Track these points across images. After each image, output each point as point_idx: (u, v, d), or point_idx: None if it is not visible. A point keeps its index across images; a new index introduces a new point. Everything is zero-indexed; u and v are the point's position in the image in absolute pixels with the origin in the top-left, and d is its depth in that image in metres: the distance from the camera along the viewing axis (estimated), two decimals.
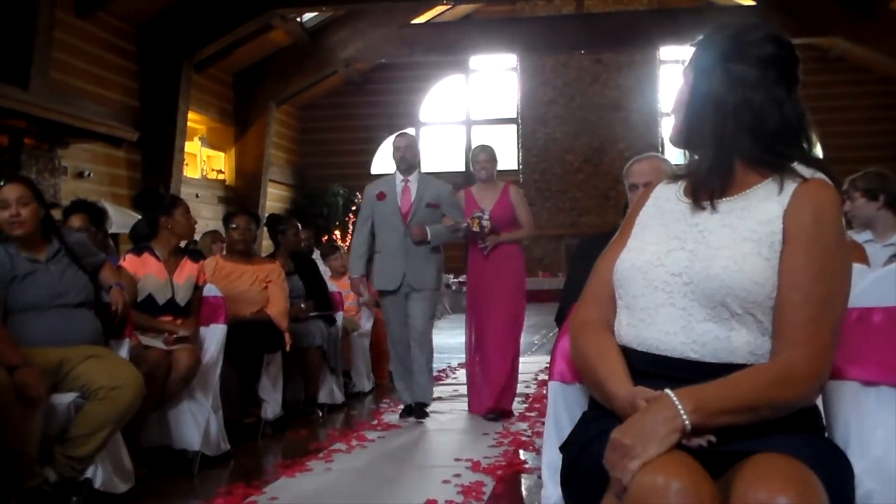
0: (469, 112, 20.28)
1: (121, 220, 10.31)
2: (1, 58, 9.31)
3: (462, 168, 18.33)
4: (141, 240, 4.69)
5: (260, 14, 12.81)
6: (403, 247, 5.55)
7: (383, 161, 18.74)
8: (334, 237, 16.97)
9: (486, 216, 5.66)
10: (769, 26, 1.72)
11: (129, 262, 4.47)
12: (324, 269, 6.91)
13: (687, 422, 1.47)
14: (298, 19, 14.93)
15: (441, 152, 19.81)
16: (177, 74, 12.65)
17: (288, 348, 5.39)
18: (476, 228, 5.67)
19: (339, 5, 14.01)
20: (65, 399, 3.40)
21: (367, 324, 7.12)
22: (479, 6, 18.18)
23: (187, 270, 4.54)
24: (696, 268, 1.63)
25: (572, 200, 19.37)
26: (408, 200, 5.64)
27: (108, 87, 12.00)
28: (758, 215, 1.64)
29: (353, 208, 17.39)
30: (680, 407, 1.47)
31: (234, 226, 5.57)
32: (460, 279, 14.55)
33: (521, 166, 19.63)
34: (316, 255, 7.69)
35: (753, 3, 15.02)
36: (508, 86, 20.27)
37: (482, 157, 5.88)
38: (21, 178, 3.83)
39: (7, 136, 9.43)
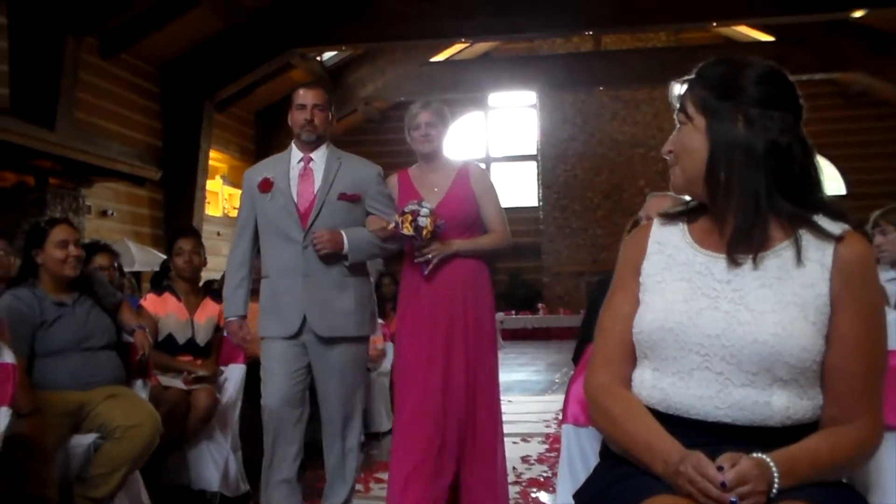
0: (489, 149, 20.34)
1: (144, 258, 10.42)
2: (28, 99, 9.49)
3: None
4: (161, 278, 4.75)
5: (280, 54, 12.98)
6: (302, 267, 3.45)
7: None
8: None
9: (424, 210, 3.44)
10: (761, 60, 1.64)
11: (149, 301, 4.51)
12: None
13: (776, 492, 1.47)
14: (318, 58, 15.10)
15: None
16: (199, 114, 12.83)
17: None
18: (408, 231, 3.41)
19: (358, 44, 14.16)
20: (85, 440, 3.42)
21: (387, 363, 7.02)
22: (497, 44, 18.34)
23: (209, 311, 4.56)
24: (738, 332, 1.55)
25: (592, 237, 19.34)
26: (308, 189, 3.51)
27: (132, 127, 12.17)
28: (799, 278, 1.57)
29: None
30: (776, 479, 1.47)
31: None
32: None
33: (541, 203, 19.66)
34: None
35: (772, 40, 15.04)
36: (528, 123, 20.36)
37: (423, 116, 3.73)
38: (69, 221, 3.86)
39: (33, 176, 9.59)
